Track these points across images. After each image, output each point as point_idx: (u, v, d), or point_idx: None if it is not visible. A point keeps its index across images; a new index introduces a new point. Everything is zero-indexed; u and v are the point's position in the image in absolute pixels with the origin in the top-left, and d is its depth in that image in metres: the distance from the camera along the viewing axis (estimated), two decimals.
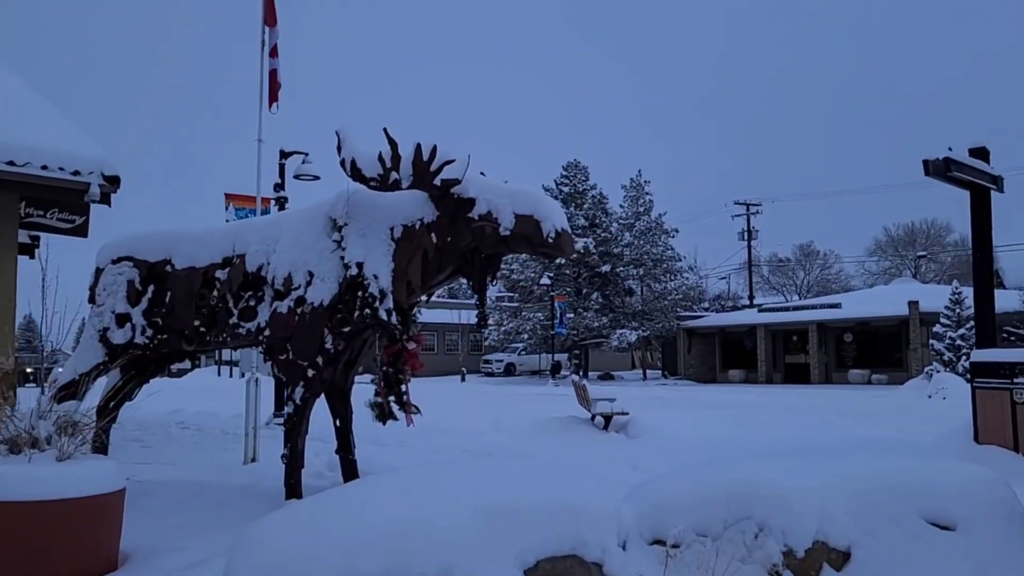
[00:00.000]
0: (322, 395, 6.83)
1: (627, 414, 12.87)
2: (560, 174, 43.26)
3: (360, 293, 6.16)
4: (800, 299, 57.99)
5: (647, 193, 41.85)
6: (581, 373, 41.20)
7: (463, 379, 39.34)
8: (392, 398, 6.54)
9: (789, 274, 70.32)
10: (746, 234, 56.66)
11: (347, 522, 3.17)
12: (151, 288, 6.81)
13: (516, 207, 6.07)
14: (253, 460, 9.46)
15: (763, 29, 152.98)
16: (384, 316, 6.06)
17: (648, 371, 43.05)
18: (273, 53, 10.42)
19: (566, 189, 42.28)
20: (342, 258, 6.25)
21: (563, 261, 39.49)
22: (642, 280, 41.01)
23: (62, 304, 8.31)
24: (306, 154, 15.92)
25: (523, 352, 45.05)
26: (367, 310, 6.11)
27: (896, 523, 3.81)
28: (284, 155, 15.64)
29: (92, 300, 7.01)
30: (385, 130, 5.99)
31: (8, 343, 10.82)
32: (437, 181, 6.03)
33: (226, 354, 49.49)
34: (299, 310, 6.28)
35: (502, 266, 28.70)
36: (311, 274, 6.33)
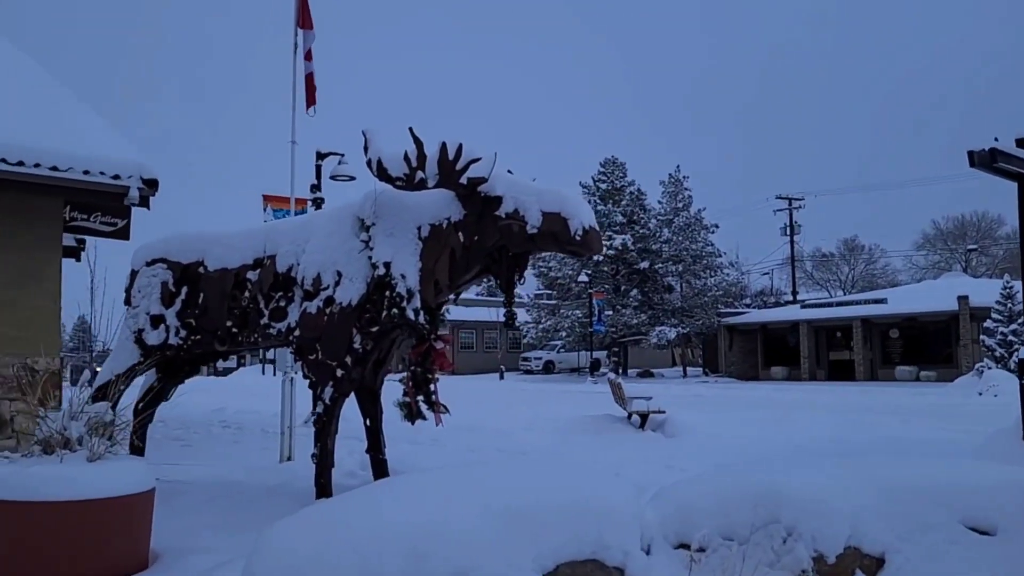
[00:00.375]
0: (352, 395, 6.86)
1: (663, 412, 12.73)
2: (598, 171, 43.04)
3: (388, 293, 6.16)
4: (844, 294, 56.89)
5: (686, 189, 41.45)
6: (620, 371, 40.97)
7: (501, 377, 39.40)
8: (421, 397, 6.53)
9: (833, 269, 69.06)
10: (788, 229, 55.71)
11: (364, 524, 3.15)
12: (184, 289, 6.88)
13: (543, 205, 6.02)
14: (289, 459, 9.53)
15: (750, 21, 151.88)
16: (412, 316, 6.04)
17: (689, 368, 42.66)
18: (308, 56, 10.47)
19: (604, 186, 42.04)
20: (370, 258, 6.25)
21: (600, 258, 39.28)
22: (681, 276, 40.61)
23: (110, 305, 8.44)
24: (342, 155, 16.04)
25: (562, 350, 44.89)
26: (395, 310, 6.10)
27: (932, 528, 3.67)
28: (320, 156, 15.77)
29: (128, 302, 7.11)
30: (411, 129, 5.97)
31: (54, 344, 11.07)
32: (463, 180, 6.00)
33: (270, 352, 50.02)
34: (328, 310, 6.30)
35: (540, 263, 28.75)
36: (340, 274, 6.34)
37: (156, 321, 6.87)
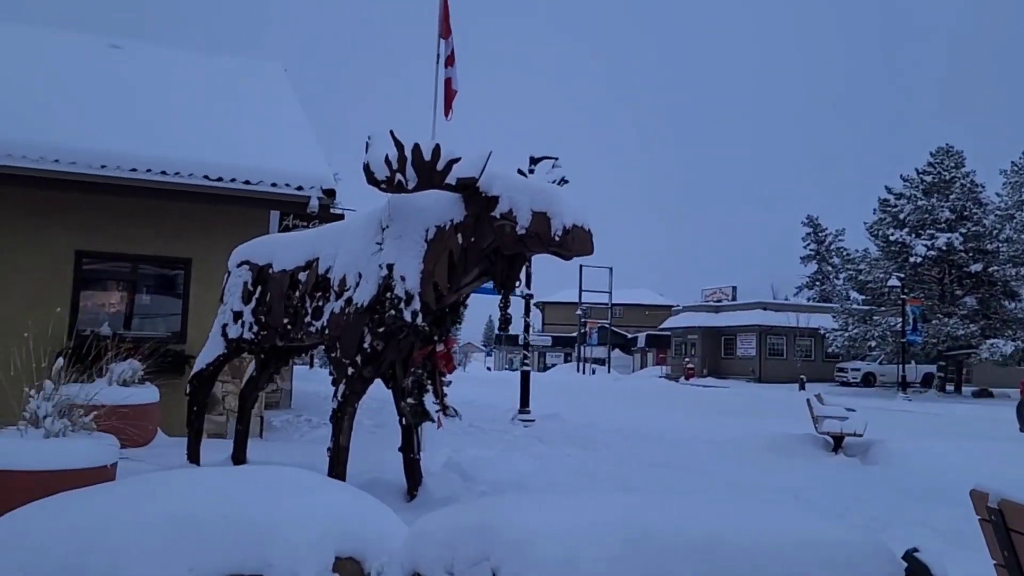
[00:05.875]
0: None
1: (860, 435, 11.06)
2: (926, 161, 38.00)
3: (388, 294, 6.26)
4: None
5: None
6: (947, 387, 35.94)
7: (801, 387, 36.55)
8: (433, 399, 6.52)
9: None
10: None
11: (34, 529, 3.32)
12: (259, 289, 7.58)
13: (534, 204, 5.75)
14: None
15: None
16: (408, 317, 6.08)
17: None
18: (449, 62, 10.78)
19: (928, 178, 36.98)
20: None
21: (920, 259, 34.83)
22: None
23: None
24: (556, 159, 16.18)
25: (884, 361, 40.26)
26: (393, 311, 6.18)
27: None
28: (534, 161, 16.09)
29: (221, 299, 8.00)
30: (391, 132, 6.00)
31: None
32: (452, 180, 5.91)
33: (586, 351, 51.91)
34: (347, 310, 6.56)
35: (849, 266, 26.64)
36: (360, 275, 6.56)
37: (236, 317, 7.65)
